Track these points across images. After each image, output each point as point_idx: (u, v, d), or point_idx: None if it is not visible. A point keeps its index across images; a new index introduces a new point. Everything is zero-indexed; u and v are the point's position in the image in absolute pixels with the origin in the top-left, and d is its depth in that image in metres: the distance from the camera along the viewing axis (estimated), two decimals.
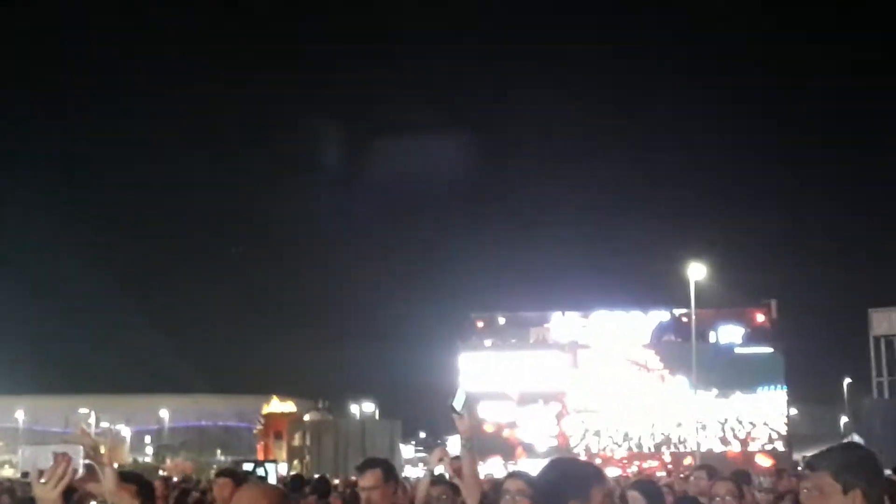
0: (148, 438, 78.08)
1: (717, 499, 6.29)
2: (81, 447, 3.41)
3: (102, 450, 3.48)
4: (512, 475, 5.57)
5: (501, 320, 55.29)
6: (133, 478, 3.65)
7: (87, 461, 3.37)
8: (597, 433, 52.57)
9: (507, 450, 50.24)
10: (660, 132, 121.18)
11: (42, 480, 3.45)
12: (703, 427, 47.33)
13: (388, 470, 5.81)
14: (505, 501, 5.31)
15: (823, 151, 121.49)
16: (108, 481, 3.28)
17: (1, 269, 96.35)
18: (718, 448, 50.00)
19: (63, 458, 3.35)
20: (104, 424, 76.34)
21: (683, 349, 45.55)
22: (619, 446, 52.45)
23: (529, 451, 50.84)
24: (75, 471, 3.47)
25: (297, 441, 73.37)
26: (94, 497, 3.59)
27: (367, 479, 5.63)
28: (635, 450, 52.04)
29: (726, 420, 51.35)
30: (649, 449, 51.98)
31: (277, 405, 78.54)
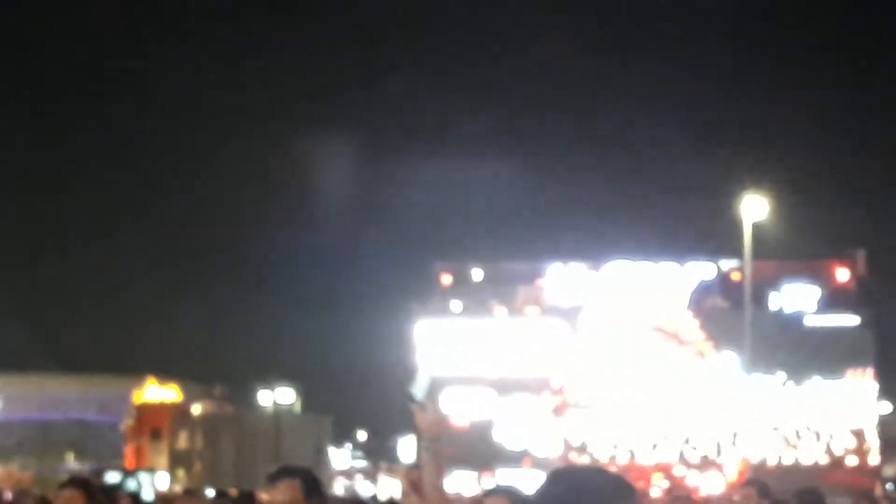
0: None
1: None
2: None
3: None
4: (492, 492, 5.61)
5: (477, 274, 55.26)
6: None
7: None
8: (610, 434, 52.81)
9: (482, 457, 50.51)
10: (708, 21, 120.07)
11: None
12: (764, 426, 47.67)
13: (311, 483, 5.84)
14: None
15: None
16: None
17: None
18: (786, 457, 50.50)
19: None
20: None
21: (733, 318, 45.82)
22: (641, 452, 52.86)
23: (510, 459, 51.16)
24: None
25: (182, 442, 73.62)
26: None
27: (281, 494, 5.65)
28: (662, 459, 52.44)
29: (796, 417, 51.50)
30: (682, 456, 52.37)
31: (155, 391, 78.59)
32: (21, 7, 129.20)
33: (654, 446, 52.74)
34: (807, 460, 51.65)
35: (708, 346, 52.33)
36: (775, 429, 51.24)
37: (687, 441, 52.54)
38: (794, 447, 52.12)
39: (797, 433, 52.39)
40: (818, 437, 51.96)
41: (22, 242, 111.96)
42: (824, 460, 51.34)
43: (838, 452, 51.64)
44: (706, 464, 51.44)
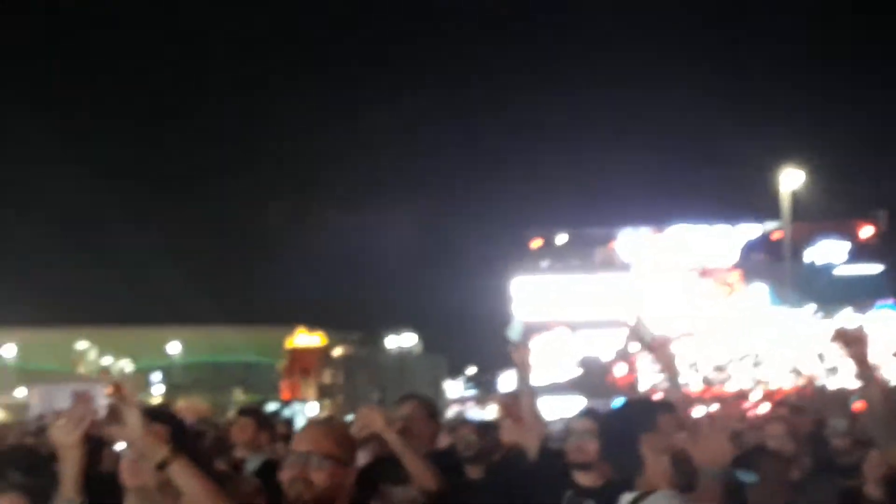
0: (156, 376, 79.47)
1: (771, 441, 6.32)
2: (102, 386, 3.62)
3: (125, 388, 3.66)
4: (580, 414, 5.75)
5: (562, 239, 55.14)
6: (163, 417, 3.82)
7: (109, 401, 3.56)
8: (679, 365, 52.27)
9: (589, 387, 49.95)
10: (749, 15, 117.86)
11: (60, 423, 3.66)
12: (797, 352, 46.84)
13: (430, 406, 6.00)
14: (571, 442, 5.51)
15: None
16: (133, 423, 3.44)
17: None
18: (818, 382, 49.66)
19: (83, 398, 3.57)
20: (106, 361, 77.80)
21: (772, 268, 45.37)
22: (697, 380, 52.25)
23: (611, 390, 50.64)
24: (96, 412, 3.68)
25: (326, 378, 74.48)
26: (117, 442, 3.77)
27: (405, 410, 5.78)
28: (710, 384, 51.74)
29: (827, 344, 50.49)
30: (721, 382, 51.66)
31: (304, 338, 79.41)
32: None
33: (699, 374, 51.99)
34: (836, 385, 50.59)
35: (736, 278, 51.38)
36: (818, 355, 49.99)
37: (720, 370, 51.69)
38: (829, 371, 51.08)
39: (827, 359, 51.30)
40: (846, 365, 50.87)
41: (193, 221, 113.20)
42: (854, 385, 50.33)
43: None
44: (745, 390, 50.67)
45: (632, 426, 4.03)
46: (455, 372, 79.01)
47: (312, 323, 79.62)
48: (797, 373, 43.68)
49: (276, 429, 8.75)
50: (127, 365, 78.03)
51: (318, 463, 3.32)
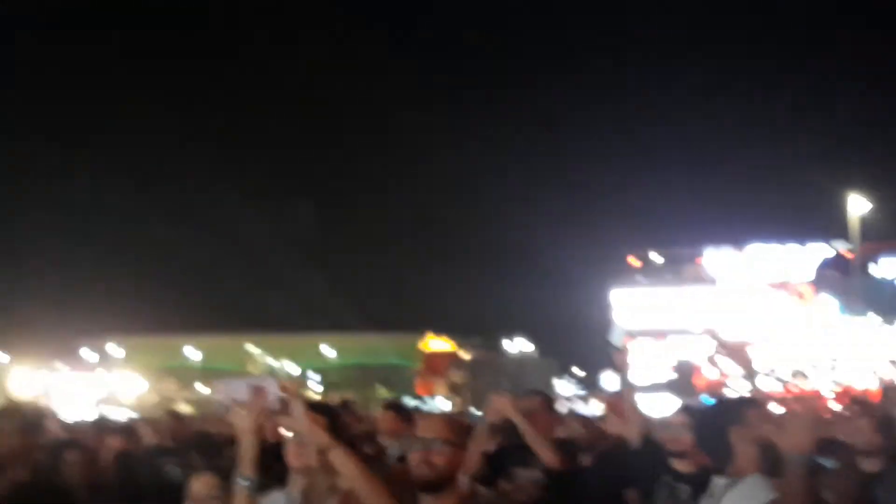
0: (314, 376, 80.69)
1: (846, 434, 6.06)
2: (274, 382, 3.71)
3: (291, 386, 3.75)
4: (678, 410, 5.67)
5: (657, 259, 54.55)
6: (322, 409, 3.90)
7: (279, 395, 3.65)
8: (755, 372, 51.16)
9: (686, 387, 49.06)
10: (817, 45, 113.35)
11: (239, 412, 3.76)
12: (863, 358, 45.39)
13: (549, 401, 5.98)
14: (668, 433, 5.44)
15: None
16: (299, 414, 3.54)
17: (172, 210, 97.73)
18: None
19: (258, 392, 3.66)
20: (272, 362, 79.33)
21: (841, 282, 44.14)
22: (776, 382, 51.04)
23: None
24: (269, 404, 3.75)
25: (455, 378, 74.73)
26: (286, 430, 3.85)
27: (529, 402, 5.78)
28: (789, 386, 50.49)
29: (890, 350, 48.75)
30: (800, 384, 50.29)
31: (436, 343, 79.89)
32: None
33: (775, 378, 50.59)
34: None
35: (807, 288, 49.92)
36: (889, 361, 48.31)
37: (803, 371, 50.14)
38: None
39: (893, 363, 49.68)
40: None
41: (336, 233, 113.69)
42: None
43: None
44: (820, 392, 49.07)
45: (723, 420, 4.02)
46: (563, 372, 78.49)
47: (439, 329, 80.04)
48: (872, 374, 42.30)
49: (413, 420, 8.81)
50: (290, 366, 79.44)
51: (439, 447, 3.45)
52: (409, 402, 48.19)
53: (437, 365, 76.17)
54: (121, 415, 25.10)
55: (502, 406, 5.36)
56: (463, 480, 3.51)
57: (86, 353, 66.69)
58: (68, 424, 10.42)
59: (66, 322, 57.77)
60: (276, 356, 78.73)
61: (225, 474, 3.96)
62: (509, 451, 5.41)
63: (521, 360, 73.34)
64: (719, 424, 4.01)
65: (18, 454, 5.08)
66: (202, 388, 55.47)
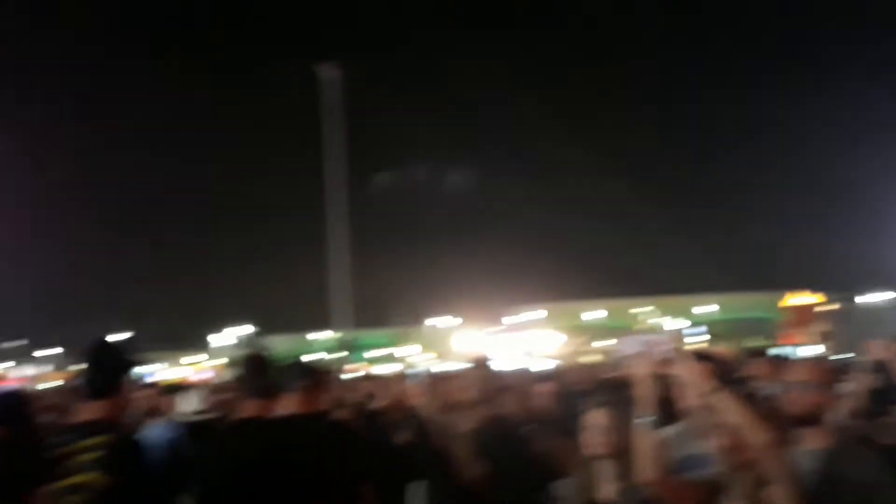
0: (698, 330, 78.01)
1: None
2: (665, 337, 3.71)
3: (678, 339, 3.73)
4: None
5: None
6: (709, 358, 3.83)
7: (669, 348, 3.64)
8: None
9: None
10: None
11: (637, 360, 3.77)
12: None
13: None
14: None
15: None
16: (686, 363, 3.55)
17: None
18: None
19: (654, 344, 3.68)
20: (659, 321, 77.99)
21: None
22: None
23: None
24: (660, 354, 3.74)
25: (820, 327, 69.11)
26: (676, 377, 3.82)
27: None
28: None
29: None
30: None
31: (797, 299, 74.20)
32: None
33: None
34: None
35: None
36: None
37: None
38: None
39: None
40: None
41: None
42: None
43: None
44: None
45: None
46: None
47: (801, 286, 73.97)
48: None
49: (781, 366, 8.27)
50: (673, 323, 77.73)
51: (805, 388, 3.35)
52: (775, 350, 45.23)
53: (801, 316, 70.76)
54: (545, 364, 26.06)
55: (878, 350, 4.97)
56: (831, 416, 3.32)
57: (515, 317, 70.14)
58: (506, 372, 11.01)
59: (501, 293, 60.87)
60: (662, 315, 77.51)
61: (621, 410, 3.99)
62: (886, 389, 4.98)
63: (879, 309, 65.84)
64: None
65: (484, 396, 5.52)
66: (605, 343, 56.06)
